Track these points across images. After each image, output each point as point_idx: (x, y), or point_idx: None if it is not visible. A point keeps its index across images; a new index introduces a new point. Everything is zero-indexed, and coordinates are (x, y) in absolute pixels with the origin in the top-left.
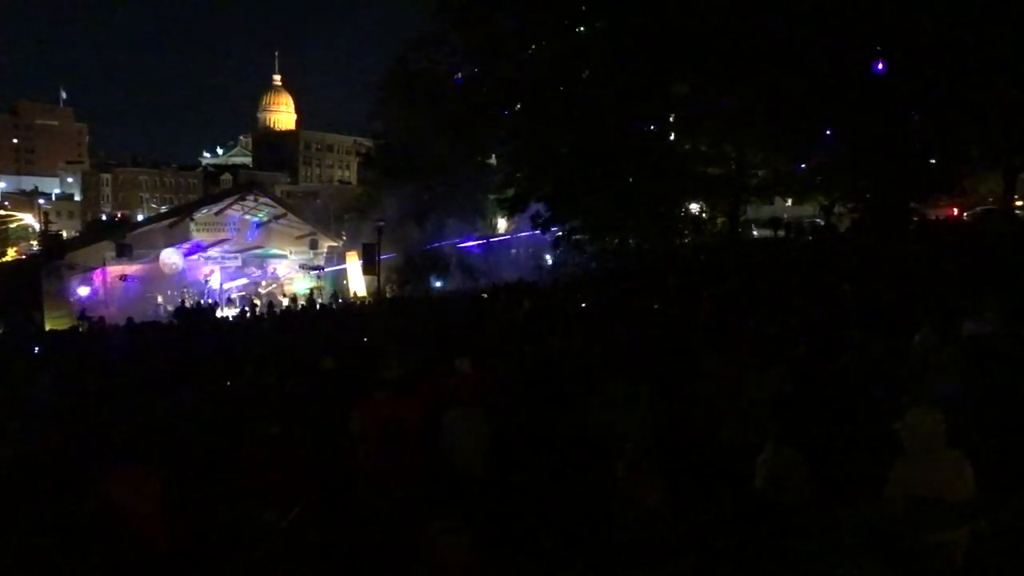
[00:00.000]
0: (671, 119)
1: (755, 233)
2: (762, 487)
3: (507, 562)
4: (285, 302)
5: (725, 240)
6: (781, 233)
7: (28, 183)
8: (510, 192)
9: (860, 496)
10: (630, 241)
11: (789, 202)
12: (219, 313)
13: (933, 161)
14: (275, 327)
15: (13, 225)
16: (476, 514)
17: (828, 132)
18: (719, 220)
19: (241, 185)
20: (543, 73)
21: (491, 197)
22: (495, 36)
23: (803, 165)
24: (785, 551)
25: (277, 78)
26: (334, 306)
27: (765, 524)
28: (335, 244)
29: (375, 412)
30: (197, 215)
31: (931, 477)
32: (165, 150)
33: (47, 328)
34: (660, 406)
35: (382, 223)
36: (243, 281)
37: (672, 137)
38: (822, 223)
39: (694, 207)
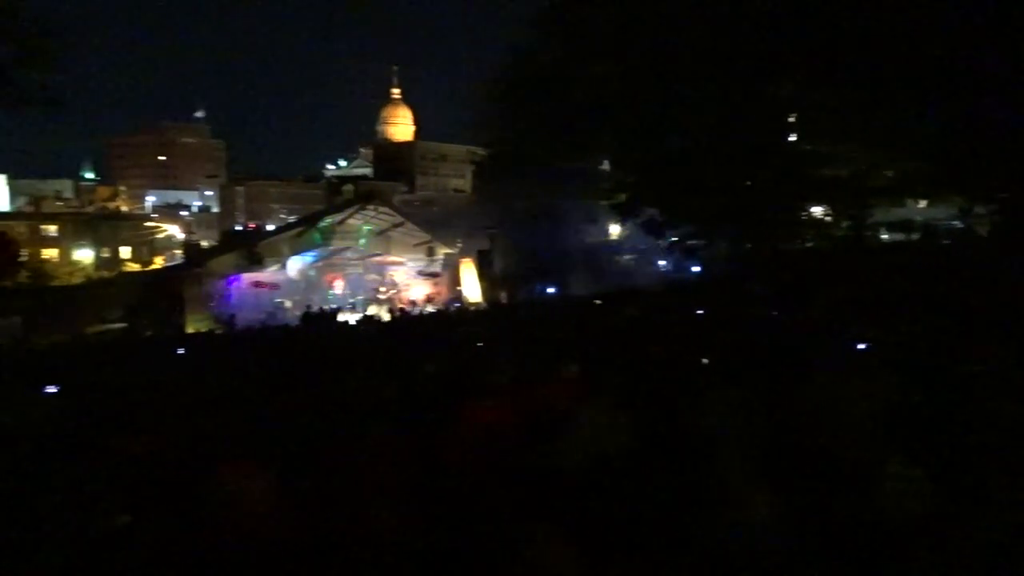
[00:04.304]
0: (789, 120)
1: (884, 237)
2: (882, 503)
3: (610, 571)
4: (404, 307)
5: (846, 244)
6: (915, 236)
7: (172, 197)
8: (621, 197)
9: (989, 515)
10: (747, 246)
11: (924, 203)
12: (340, 318)
13: None
14: (386, 331)
15: (160, 236)
16: (579, 521)
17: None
18: (843, 223)
19: (361, 195)
20: (641, 74)
21: (603, 203)
22: (593, 39)
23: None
24: (908, 571)
25: (396, 91)
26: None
27: (886, 542)
28: (451, 251)
29: (481, 417)
30: (321, 224)
31: None
32: (292, 163)
33: (188, 331)
34: (769, 415)
35: (495, 231)
36: (364, 285)
37: (791, 138)
38: (960, 226)
39: (818, 210)
